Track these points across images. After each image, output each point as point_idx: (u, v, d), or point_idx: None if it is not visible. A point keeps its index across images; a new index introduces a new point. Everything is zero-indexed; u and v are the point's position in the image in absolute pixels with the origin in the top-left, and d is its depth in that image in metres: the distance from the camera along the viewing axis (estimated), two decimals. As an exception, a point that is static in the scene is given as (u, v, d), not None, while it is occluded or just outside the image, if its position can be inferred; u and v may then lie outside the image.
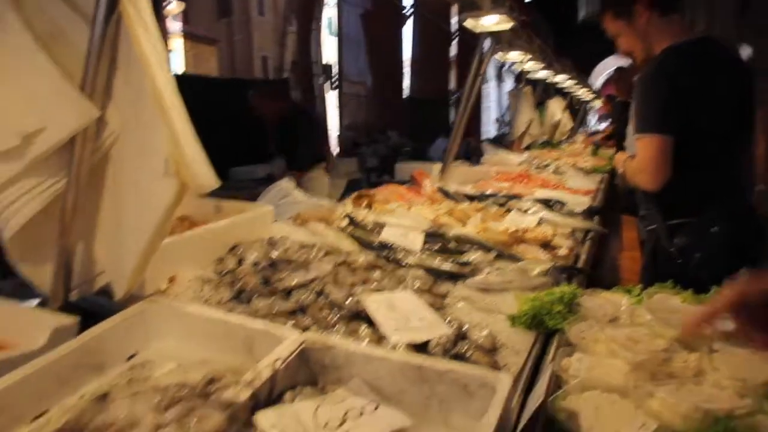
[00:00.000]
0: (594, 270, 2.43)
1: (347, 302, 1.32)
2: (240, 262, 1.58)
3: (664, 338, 1.31)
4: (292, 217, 2.24)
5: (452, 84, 15.67)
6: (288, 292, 1.39)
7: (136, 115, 1.21)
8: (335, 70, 10.88)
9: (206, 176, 1.17)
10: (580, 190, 3.65)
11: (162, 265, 1.44)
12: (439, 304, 1.49)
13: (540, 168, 4.84)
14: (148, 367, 1.13)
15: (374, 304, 1.33)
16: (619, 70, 4.99)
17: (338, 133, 10.92)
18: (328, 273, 1.49)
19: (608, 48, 2.62)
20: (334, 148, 10.16)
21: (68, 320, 1.16)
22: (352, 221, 2.17)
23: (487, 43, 3.73)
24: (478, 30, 3.28)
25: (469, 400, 0.90)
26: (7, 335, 1.20)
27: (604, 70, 5.81)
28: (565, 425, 1.04)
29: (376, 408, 0.92)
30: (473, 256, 1.87)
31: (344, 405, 0.92)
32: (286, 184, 2.39)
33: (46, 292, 1.33)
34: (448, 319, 1.31)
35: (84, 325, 1.18)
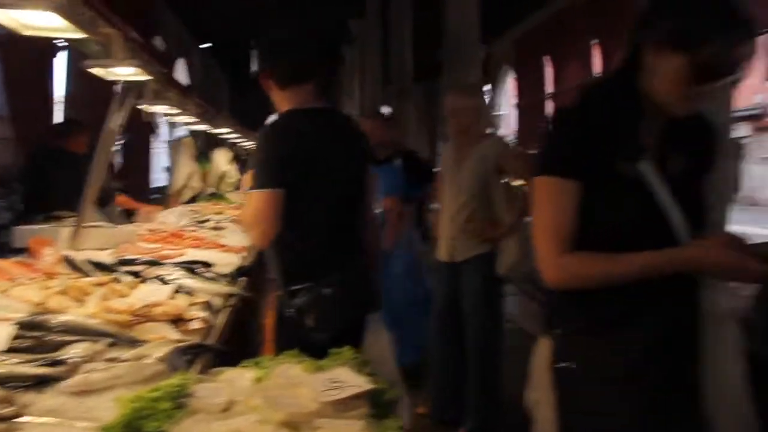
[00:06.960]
0: (235, 344, 2.32)
1: None
2: None
3: (271, 424, 1.26)
4: None
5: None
6: None
7: None
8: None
9: None
10: (234, 248, 3.53)
11: None
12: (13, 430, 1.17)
13: (200, 224, 4.65)
14: None
15: None
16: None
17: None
18: None
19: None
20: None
21: None
22: None
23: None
24: (109, 78, 2.95)
25: None
26: None
27: None
28: None
29: None
30: (75, 350, 1.57)
31: None
32: None
33: None
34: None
35: None
